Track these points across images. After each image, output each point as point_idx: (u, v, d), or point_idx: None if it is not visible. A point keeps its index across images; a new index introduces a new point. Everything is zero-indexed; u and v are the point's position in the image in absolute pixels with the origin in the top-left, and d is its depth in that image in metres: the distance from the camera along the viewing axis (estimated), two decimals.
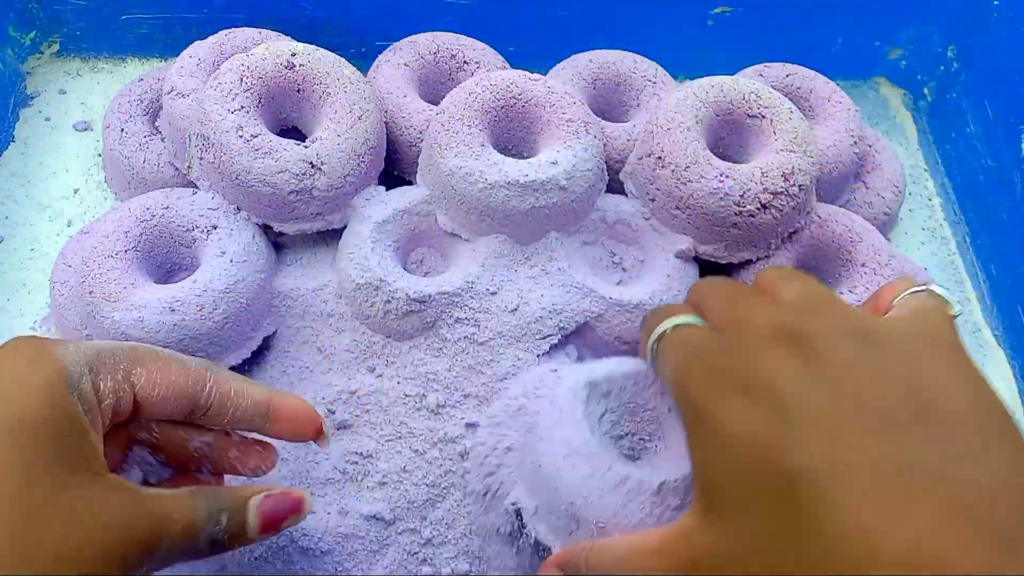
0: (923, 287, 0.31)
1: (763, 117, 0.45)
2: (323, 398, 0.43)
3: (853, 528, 0.22)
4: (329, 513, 0.39)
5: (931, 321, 0.28)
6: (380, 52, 0.54)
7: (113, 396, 0.29)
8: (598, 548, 0.30)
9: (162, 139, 0.51)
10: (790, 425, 0.25)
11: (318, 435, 0.34)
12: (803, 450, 0.24)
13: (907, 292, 0.31)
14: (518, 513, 0.37)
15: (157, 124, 0.52)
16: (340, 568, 0.38)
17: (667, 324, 0.32)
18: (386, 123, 0.49)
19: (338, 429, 0.42)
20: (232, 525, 0.30)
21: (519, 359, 0.43)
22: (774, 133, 0.45)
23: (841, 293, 0.45)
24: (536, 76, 0.47)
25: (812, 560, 0.23)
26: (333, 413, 0.42)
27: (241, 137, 0.43)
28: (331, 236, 0.47)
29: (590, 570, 0.30)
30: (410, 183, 0.50)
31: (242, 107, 0.43)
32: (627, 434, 0.37)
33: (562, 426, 0.35)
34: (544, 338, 0.43)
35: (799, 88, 0.55)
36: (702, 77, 0.48)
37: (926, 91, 0.65)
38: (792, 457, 0.24)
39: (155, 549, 0.27)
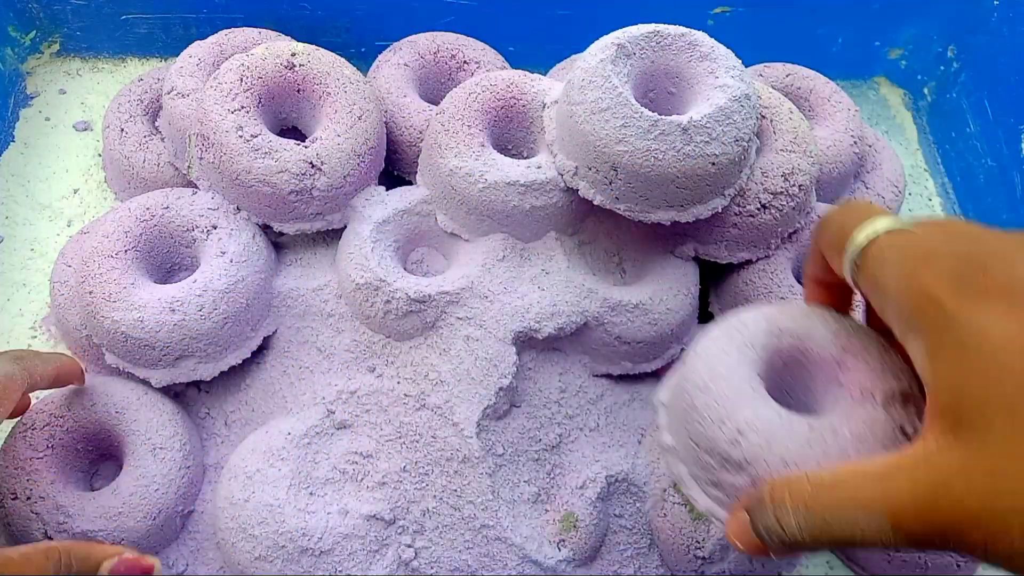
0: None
1: (763, 117, 0.45)
2: (323, 398, 0.43)
3: None
4: (329, 513, 0.39)
5: None
6: (380, 52, 0.54)
7: None
8: (813, 492, 0.25)
9: (162, 139, 0.51)
10: None
11: (80, 381, 0.41)
12: None
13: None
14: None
15: (157, 124, 0.52)
16: (340, 568, 0.38)
17: (875, 227, 0.27)
18: (386, 123, 0.49)
19: (338, 429, 0.42)
20: None
21: (519, 359, 0.43)
22: (774, 133, 0.45)
23: None
24: (536, 76, 0.47)
25: None
26: (333, 413, 0.42)
27: (241, 137, 0.43)
28: (331, 236, 0.47)
29: (810, 511, 0.25)
30: (410, 183, 0.50)
31: (242, 107, 0.43)
32: (652, 90, 0.42)
33: (592, 87, 0.39)
34: (544, 338, 0.43)
35: (799, 88, 0.55)
36: None
37: (926, 91, 0.65)
38: None
39: None
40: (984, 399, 0.23)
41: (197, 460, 0.42)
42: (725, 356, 0.33)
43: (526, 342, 0.43)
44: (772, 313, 0.33)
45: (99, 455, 0.42)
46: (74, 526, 0.38)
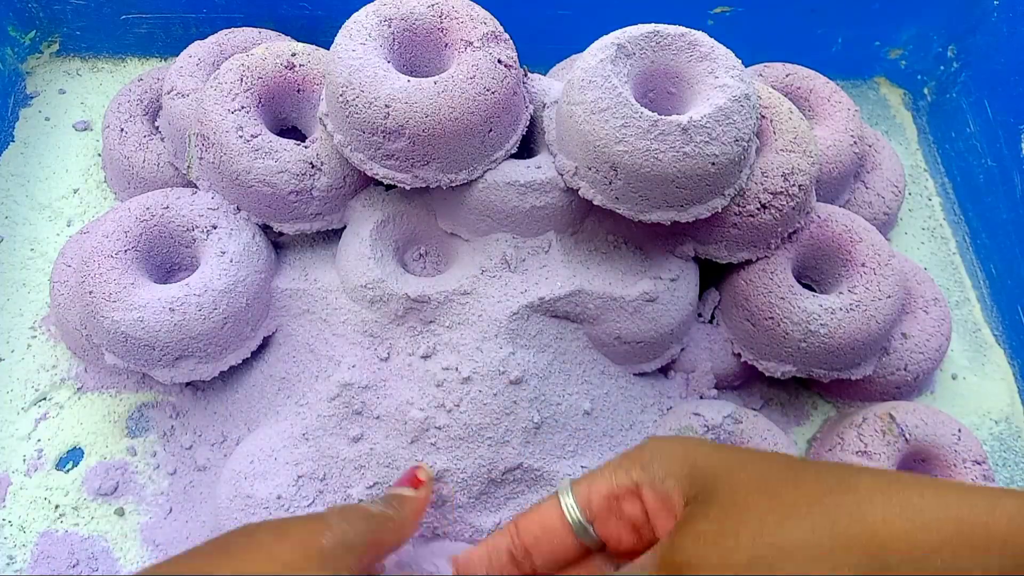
0: None
1: (763, 117, 0.45)
2: (324, 396, 0.43)
3: None
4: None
5: None
6: None
7: None
8: None
9: (162, 139, 0.51)
10: None
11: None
12: None
13: None
14: None
15: (157, 124, 0.52)
16: None
17: None
18: None
19: (340, 426, 0.42)
20: None
21: (517, 356, 0.43)
22: (774, 133, 0.45)
23: (840, 293, 0.45)
24: (536, 76, 0.47)
25: None
26: (335, 411, 0.42)
27: (241, 137, 0.43)
28: (331, 236, 0.47)
29: None
30: None
31: (242, 107, 0.43)
32: (652, 90, 0.42)
33: (592, 87, 0.39)
34: (542, 309, 0.43)
35: (799, 88, 0.55)
36: None
37: (926, 91, 0.65)
38: None
39: None
40: None
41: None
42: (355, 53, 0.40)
43: (528, 326, 0.43)
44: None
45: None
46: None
